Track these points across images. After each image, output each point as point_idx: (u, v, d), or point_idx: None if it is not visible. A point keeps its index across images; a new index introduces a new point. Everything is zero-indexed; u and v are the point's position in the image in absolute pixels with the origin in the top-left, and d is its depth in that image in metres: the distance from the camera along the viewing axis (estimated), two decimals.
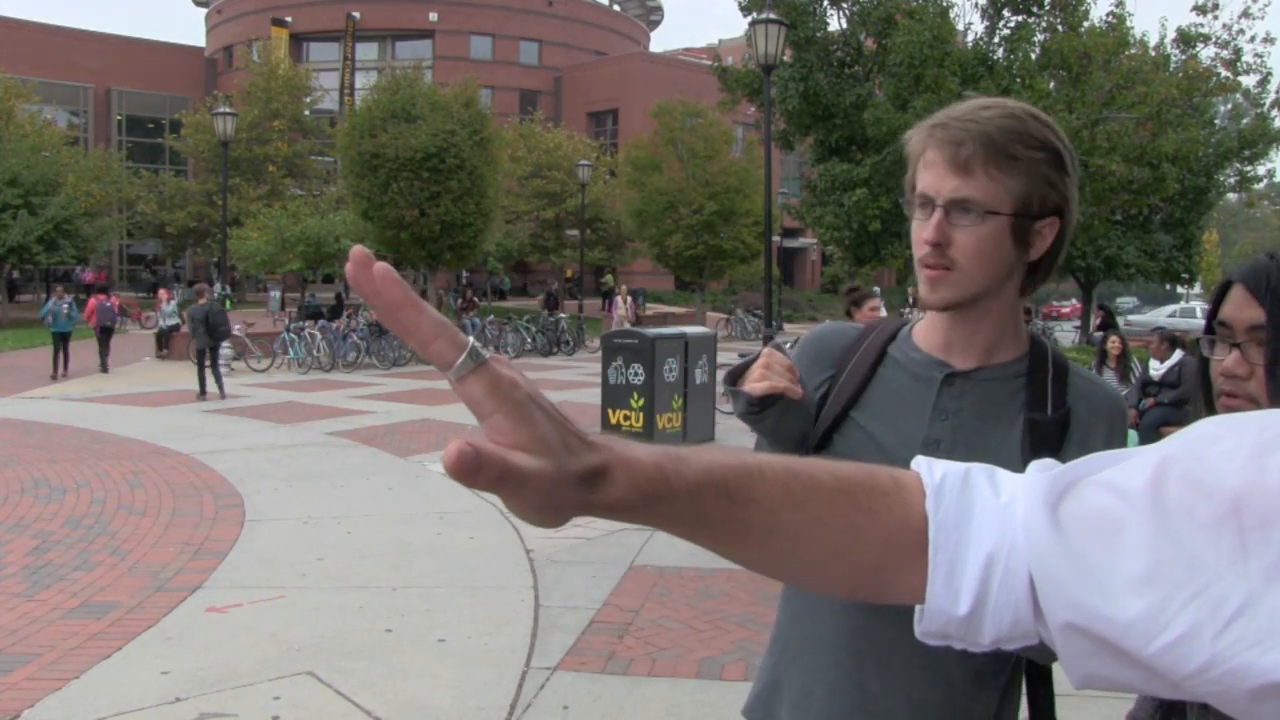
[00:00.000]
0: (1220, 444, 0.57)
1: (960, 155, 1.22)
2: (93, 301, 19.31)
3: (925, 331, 1.40)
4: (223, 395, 14.60)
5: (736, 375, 1.38)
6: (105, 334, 18.80)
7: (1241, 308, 1.15)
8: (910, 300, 30.15)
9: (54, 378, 16.81)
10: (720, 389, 1.48)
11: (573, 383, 17.09)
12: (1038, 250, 1.28)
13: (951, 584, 0.63)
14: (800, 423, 1.36)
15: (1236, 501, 0.54)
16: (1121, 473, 0.61)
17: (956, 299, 1.28)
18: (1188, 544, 0.55)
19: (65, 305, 17.50)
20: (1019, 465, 1.28)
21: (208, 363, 14.65)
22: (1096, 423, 1.34)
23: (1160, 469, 0.59)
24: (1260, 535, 0.53)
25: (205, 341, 14.56)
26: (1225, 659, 0.53)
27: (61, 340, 17.29)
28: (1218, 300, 1.21)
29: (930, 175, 1.25)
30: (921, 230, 1.26)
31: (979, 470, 0.67)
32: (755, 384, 1.30)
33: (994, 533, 0.63)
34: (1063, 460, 1.13)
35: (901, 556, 0.64)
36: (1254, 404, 1.14)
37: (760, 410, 1.30)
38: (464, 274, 38.90)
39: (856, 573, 0.66)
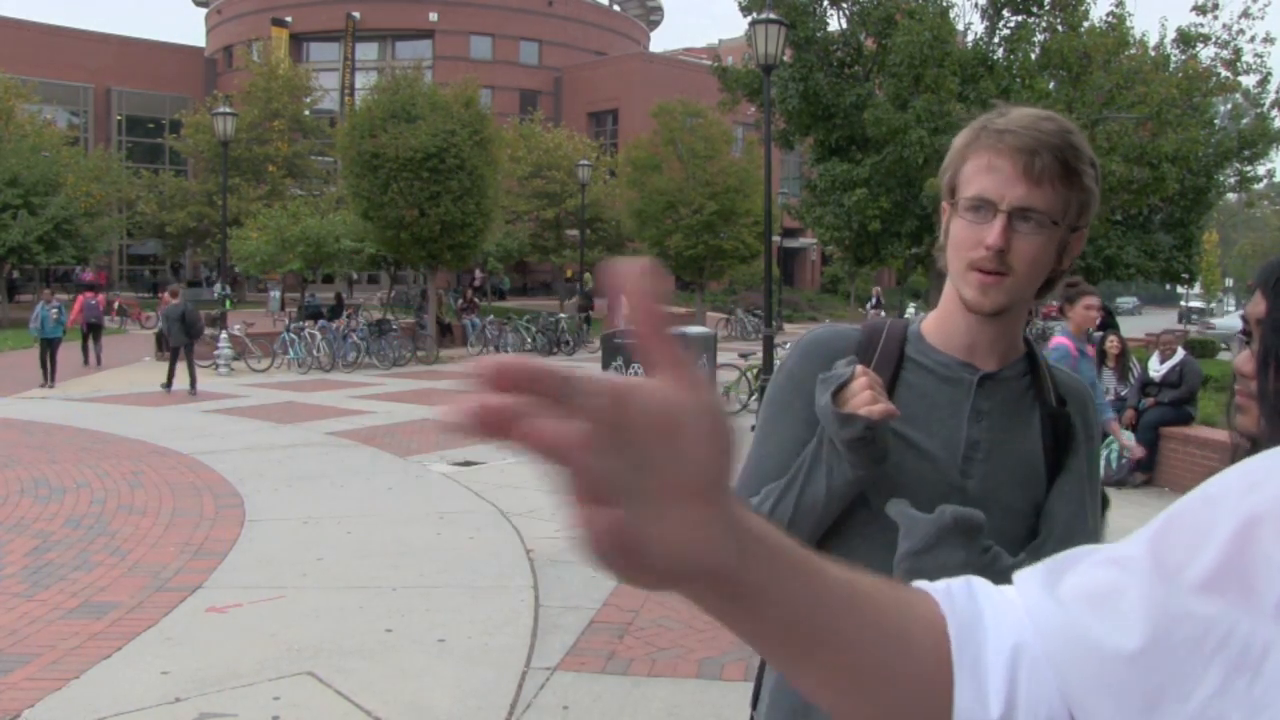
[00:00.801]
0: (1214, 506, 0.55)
1: (1035, 165, 1.23)
2: (80, 299, 19.87)
3: (941, 331, 1.38)
4: (194, 391, 15.25)
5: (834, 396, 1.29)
6: (93, 331, 19.63)
7: (1256, 304, 1.16)
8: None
9: (45, 384, 15.90)
10: (822, 405, 1.39)
11: None
12: (1069, 259, 1.32)
13: (979, 686, 0.58)
14: (889, 444, 1.28)
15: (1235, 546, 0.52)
16: (1119, 546, 0.59)
17: (1007, 304, 1.30)
18: (1192, 602, 0.52)
19: (55, 310, 16.59)
20: (1041, 461, 1.31)
21: (181, 358, 15.54)
22: (1084, 412, 1.40)
23: (1156, 538, 0.57)
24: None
25: (181, 339, 15.47)
26: (1265, 706, 0.49)
27: (50, 346, 16.21)
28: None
29: (995, 180, 1.25)
30: (977, 232, 1.27)
31: (976, 579, 0.65)
32: (872, 407, 1.23)
33: (1011, 626, 0.60)
34: (1075, 450, 1.21)
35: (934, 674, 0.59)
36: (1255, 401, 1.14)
37: (875, 435, 1.23)
38: (477, 273, 38.46)
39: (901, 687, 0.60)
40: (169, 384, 15.35)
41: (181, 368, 15.40)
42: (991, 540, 1.25)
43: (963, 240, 1.29)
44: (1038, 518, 1.35)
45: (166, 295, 19.56)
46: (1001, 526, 1.30)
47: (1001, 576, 1.22)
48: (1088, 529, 1.38)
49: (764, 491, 1.37)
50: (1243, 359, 1.16)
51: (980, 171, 1.27)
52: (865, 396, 1.24)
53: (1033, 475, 1.35)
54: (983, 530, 1.23)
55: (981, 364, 1.36)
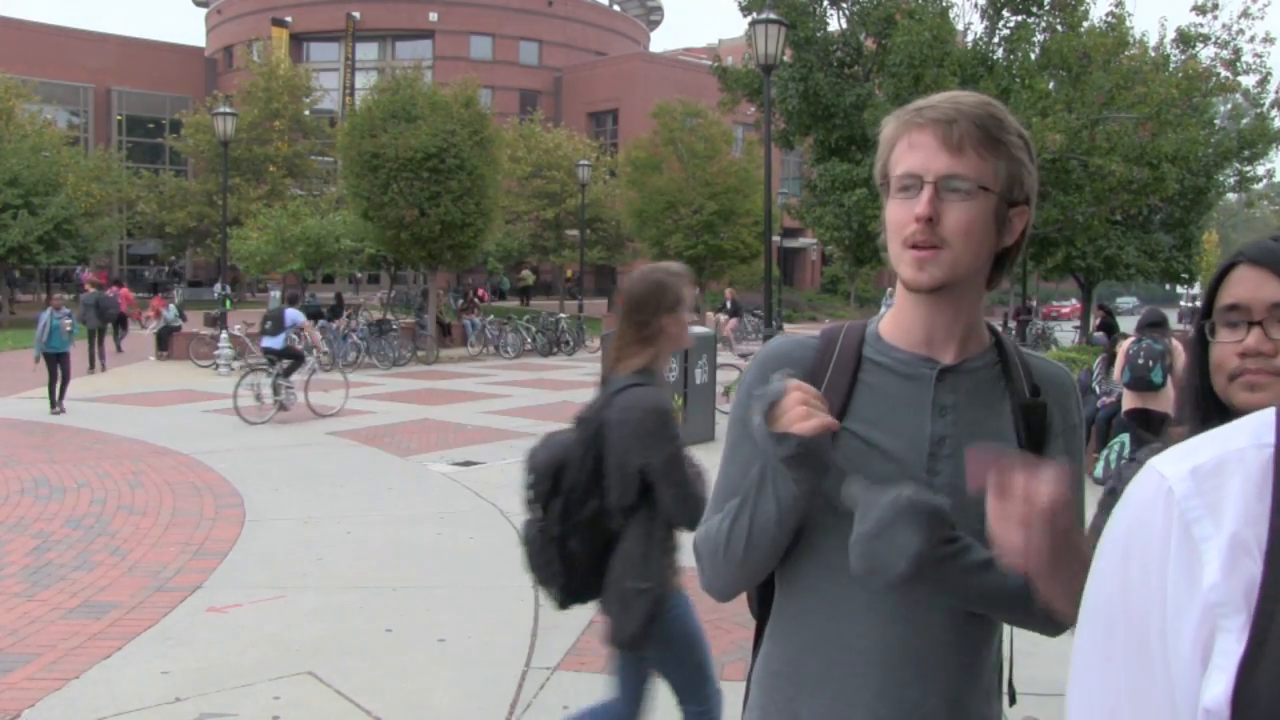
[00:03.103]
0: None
1: (954, 134, 1.23)
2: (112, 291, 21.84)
3: (898, 328, 1.36)
4: (103, 368, 18.53)
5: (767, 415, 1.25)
6: (116, 324, 21.40)
7: (1260, 286, 1.16)
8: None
9: (54, 408, 12.91)
10: (755, 424, 1.39)
11: (573, 383, 17.09)
12: (1010, 237, 1.30)
13: None
14: (830, 455, 1.26)
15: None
16: None
17: (945, 279, 1.27)
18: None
19: (67, 319, 13.64)
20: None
21: (98, 342, 18.56)
22: (1064, 400, 1.39)
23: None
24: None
25: (96, 323, 18.70)
26: None
27: (59, 361, 13.15)
28: (1216, 285, 1.22)
29: (918, 155, 1.25)
30: (907, 209, 1.26)
31: None
32: (806, 423, 1.19)
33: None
34: (1051, 441, 1.35)
35: None
36: None
37: (812, 451, 1.21)
38: (488, 277, 38.47)
39: None
40: (92, 366, 18.27)
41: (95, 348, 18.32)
42: (964, 533, 1.23)
43: (896, 221, 1.28)
44: None
45: (86, 285, 21.70)
46: (975, 521, 1.28)
47: (971, 570, 1.23)
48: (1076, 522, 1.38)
49: (725, 509, 1.36)
50: (1256, 338, 1.17)
51: (907, 150, 1.27)
52: (798, 412, 1.20)
53: None
54: (946, 518, 1.19)
55: (940, 357, 1.34)
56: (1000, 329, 1.42)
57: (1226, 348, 1.20)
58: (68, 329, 13.42)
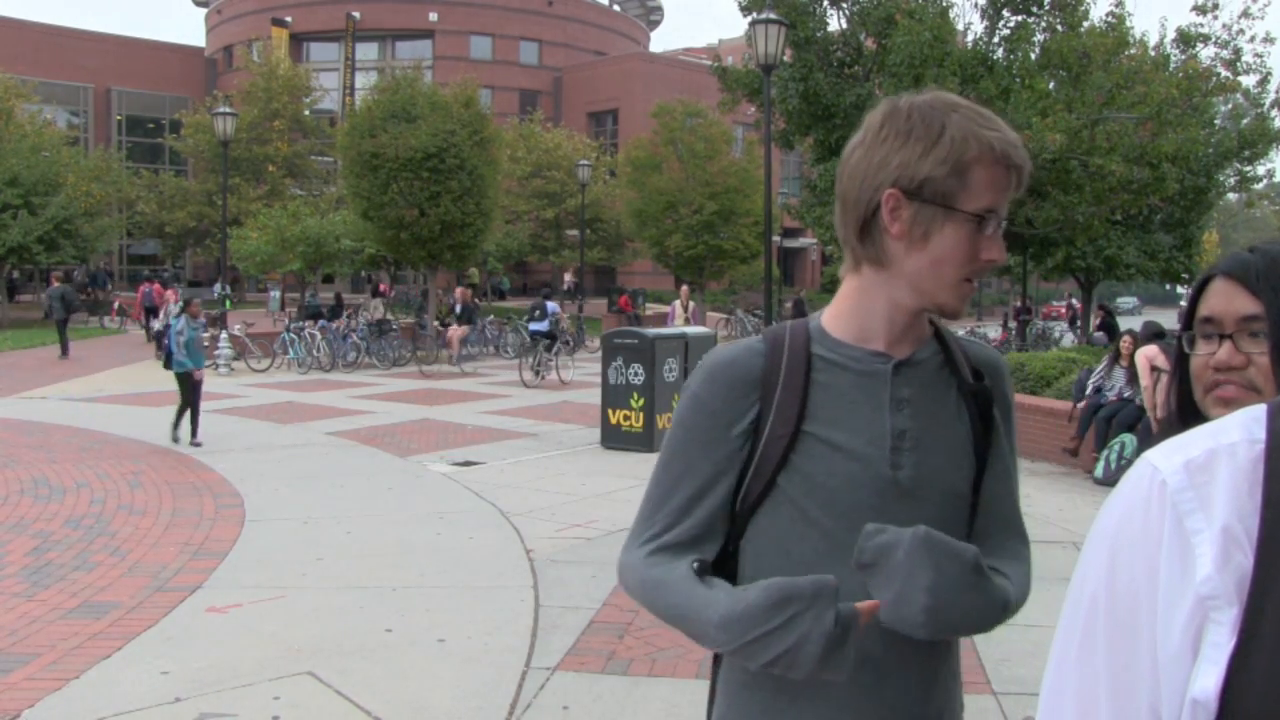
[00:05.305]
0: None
1: (1021, 180, 1.31)
2: (140, 290, 24.74)
3: (852, 326, 1.35)
4: (65, 355, 20.78)
5: None
6: (148, 315, 24.74)
7: (1231, 299, 1.17)
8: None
9: (191, 438, 10.44)
10: (811, 654, 1.37)
11: (573, 383, 17.10)
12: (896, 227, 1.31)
13: None
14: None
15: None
16: None
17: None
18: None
19: (203, 330, 11.44)
20: (970, 440, 1.36)
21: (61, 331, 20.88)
22: (1001, 382, 1.41)
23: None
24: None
25: (61, 314, 21.29)
26: None
27: (189, 380, 10.49)
28: (1195, 297, 1.23)
29: (998, 195, 1.28)
30: (980, 245, 1.28)
31: None
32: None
33: None
34: (997, 425, 1.36)
35: None
36: (1255, 393, 1.15)
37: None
38: (457, 291, 38.41)
39: None
40: (65, 353, 20.78)
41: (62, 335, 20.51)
42: (929, 527, 1.23)
43: (968, 252, 1.27)
44: (976, 496, 1.35)
45: (54, 279, 23.65)
46: (941, 512, 1.29)
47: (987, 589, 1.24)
48: (1016, 502, 1.41)
49: (661, 540, 1.34)
50: (1227, 352, 1.17)
51: (987, 184, 1.26)
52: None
53: (964, 456, 1.34)
54: (959, 554, 1.22)
55: (894, 352, 1.34)
56: (937, 318, 1.41)
57: (1201, 360, 1.21)
58: (202, 339, 11.35)
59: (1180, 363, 1.26)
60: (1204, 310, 1.21)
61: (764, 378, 1.33)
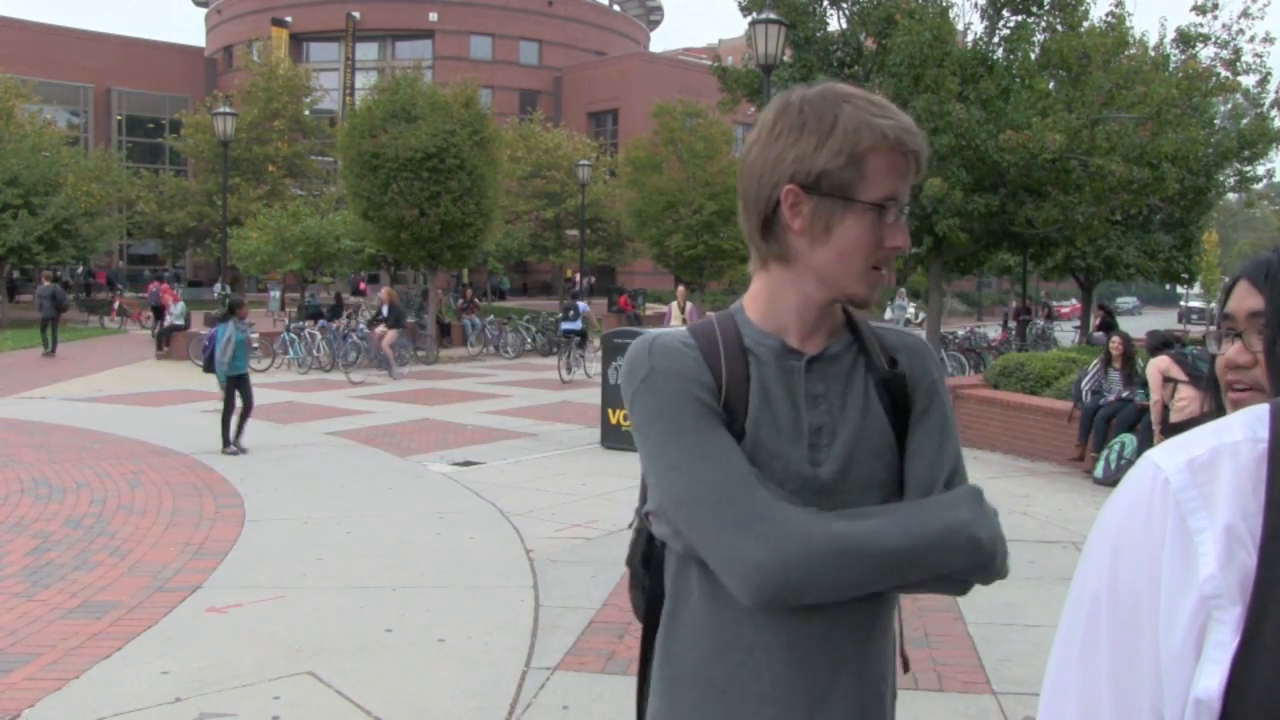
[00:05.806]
0: None
1: (920, 164, 1.34)
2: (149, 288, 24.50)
3: (770, 320, 1.34)
4: (52, 354, 21.02)
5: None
6: (156, 314, 24.84)
7: (1243, 298, 1.18)
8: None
9: (229, 445, 9.97)
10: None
11: (573, 382, 17.10)
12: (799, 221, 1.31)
13: None
14: None
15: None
16: None
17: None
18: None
19: (252, 331, 10.74)
20: (888, 428, 1.35)
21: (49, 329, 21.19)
22: (920, 362, 1.38)
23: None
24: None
25: (50, 313, 21.61)
26: None
27: (240, 386, 10.21)
28: (1225, 298, 1.24)
29: (897, 182, 1.30)
30: (884, 233, 1.28)
31: None
32: None
33: None
34: (915, 404, 1.34)
35: None
36: (1260, 392, 1.16)
37: None
38: (487, 277, 38.41)
39: None
40: (51, 350, 21.25)
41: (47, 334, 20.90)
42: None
43: (873, 241, 1.27)
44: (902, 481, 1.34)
45: (44, 278, 24.21)
46: (861, 504, 1.27)
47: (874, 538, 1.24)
48: (945, 471, 1.33)
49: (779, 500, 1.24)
50: (1235, 350, 1.18)
51: (885, 172, 1.26)
52: None
53: (884, 445, 1.32)
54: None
55: (807, 347, 1.33)
56: (851, 309, 1.39)
57: (1220, 359, 1.22)
58: (252, 342, 10.63)
59: (1214, 363, 1.28)
60: (1226, 309, 1.22)
61: (711, 372, 1.29)
